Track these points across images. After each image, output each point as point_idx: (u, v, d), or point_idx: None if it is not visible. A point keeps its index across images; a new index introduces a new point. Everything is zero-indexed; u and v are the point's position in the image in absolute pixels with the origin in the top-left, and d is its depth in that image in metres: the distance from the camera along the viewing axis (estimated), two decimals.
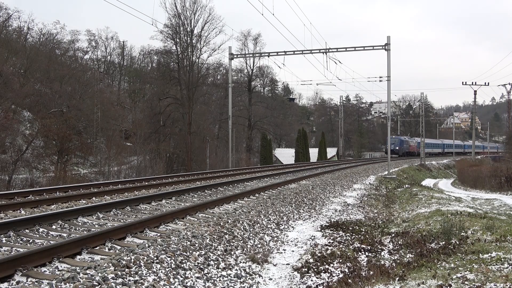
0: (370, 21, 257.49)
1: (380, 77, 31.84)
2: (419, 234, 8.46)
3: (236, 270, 6.06)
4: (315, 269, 6.43)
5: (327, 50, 27.88)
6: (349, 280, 5.74)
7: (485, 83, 52.87)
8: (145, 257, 5.44)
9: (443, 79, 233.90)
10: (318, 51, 28.08)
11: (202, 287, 5.24)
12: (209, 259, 6.10)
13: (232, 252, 6.72)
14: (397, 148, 63.13)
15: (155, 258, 5.50)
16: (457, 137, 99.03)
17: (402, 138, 69.19)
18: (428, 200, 14.85)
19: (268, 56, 30.02)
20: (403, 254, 7.17)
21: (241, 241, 7.38)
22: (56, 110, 31.02)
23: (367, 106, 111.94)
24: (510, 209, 16.49)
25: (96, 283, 4.46)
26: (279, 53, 29.15)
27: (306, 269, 6.45)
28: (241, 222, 8.48)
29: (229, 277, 5.75)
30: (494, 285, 4.64)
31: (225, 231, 7.57)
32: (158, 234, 7.12)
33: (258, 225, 8.72)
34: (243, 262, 6.45)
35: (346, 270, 6.37)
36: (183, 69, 41.57)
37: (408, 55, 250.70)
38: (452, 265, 5.79)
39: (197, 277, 5.42)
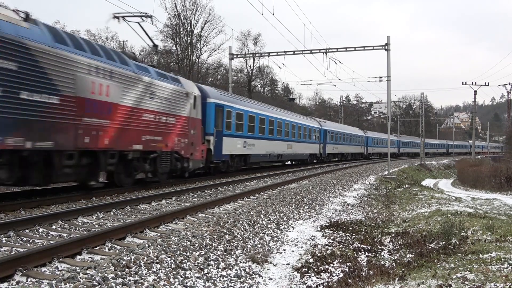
0: (370, 21, 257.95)
1: (380, 77, 31.88)
2: (419, 234, 8.46)
3: (236, 270, 6.05)
4: (315, 269, 6.43)
5: (327, 50, 27.89)
6: (349, 280, 5.74)
7: (485, 83, 52.95)
8: (145, 257, 5.44)
9: (443, 79, 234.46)
10: (318, 51, 28.09)
11: (202, 287, 5.24)
12: (209, 259, 6.10)
13: (232, 252, 6.72)
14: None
15: (155, 258, 5.50)
16: (457, 137, 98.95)
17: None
18: (428, 200, 14.85)
19: (268, 56, 30.04)
20: (403, 254, 7.17)
21: (241, 241, 7.37)
22: None
23: (367, 106, 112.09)
24: (510, 209, 16.49)
25: (96, 283, 4.46)
26: (279, 53, 29.16)
27: (306, 269, 6.45)
28: (241, 222, 8.48)
29: (229, 277, 5.74)
30: (494, 285, 4.63)
31: (225, 231, 7.57)
32: (158, 234, 7.13)
33: (258, 225, 8.71)
34: (243, 262, 6.45)
35: (346, 270, 6.37)
36: (183, 69, 41.60)
37: (408, 55, 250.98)
38: (452, 265, 5.79)
39: (197, 277, 5.42)
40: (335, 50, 27.95)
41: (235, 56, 32.58)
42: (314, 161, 34.42)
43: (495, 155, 68.26)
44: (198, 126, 15.32)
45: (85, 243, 5.90)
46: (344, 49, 28.01)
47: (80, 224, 7.71)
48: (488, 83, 54.95)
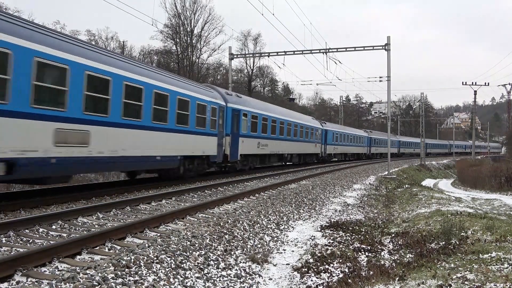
0: (370, 21, 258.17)
1: (380, 77, 31.87)
2: (419, 234, 8.46)
3: (236, 270, 6.05)
4: (315, 269, 6.43)
5: (327, 50, 27.89)
6: (349, 280, 5.74)
7: (485, 83, 52.93)
8: (145, 257, 5.44)
9: (443, 79, 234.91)
10: (318, 51, 28.09)
11: (202, 287, 5.24)
12: (209, 259, 6.10)
13: (232, 252, 6.72)
14: None
15: (155, 258, 5.50)
16: (457, 138, 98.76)
17: None
18: (428, 200, 14.84)
19: (268, 56, 30.05)
20: (403, 254, 7.17)
21: (241, 241, 7.37)
22: None
23: (367, 106, 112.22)
24: (510, 209, 16.51)
25: (96, 283, 4.46)
26: (279, 53, 29.16)
27: (306, 269, 6.45)
28: (241, 222, 8.48)
29: (229, 277, 5.74)
30: (494, 285, 4.63)
31: (225, 231, 7.57)
32: (158, 234, 7.13)
33: (258, 225, 8.71)
34: (243, 262, 6.45)
35: (346, 270, 6.37)
36: (183, 69, 41.65)
37: (408, 55, 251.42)
38: (452, 265, 5.79)
39: (197, 277, 5.42)
40: (335, 50, 27.96)
41: (235, 56, 32.59)
42: (213, 169, 18.59)
43: (495, 156, 68.01)
44: None
45: (85, 243, 5.90)
46: (344, 49, 28.01)
47: (80, 224, 7.71)
48: (488, 83, 54.87)
